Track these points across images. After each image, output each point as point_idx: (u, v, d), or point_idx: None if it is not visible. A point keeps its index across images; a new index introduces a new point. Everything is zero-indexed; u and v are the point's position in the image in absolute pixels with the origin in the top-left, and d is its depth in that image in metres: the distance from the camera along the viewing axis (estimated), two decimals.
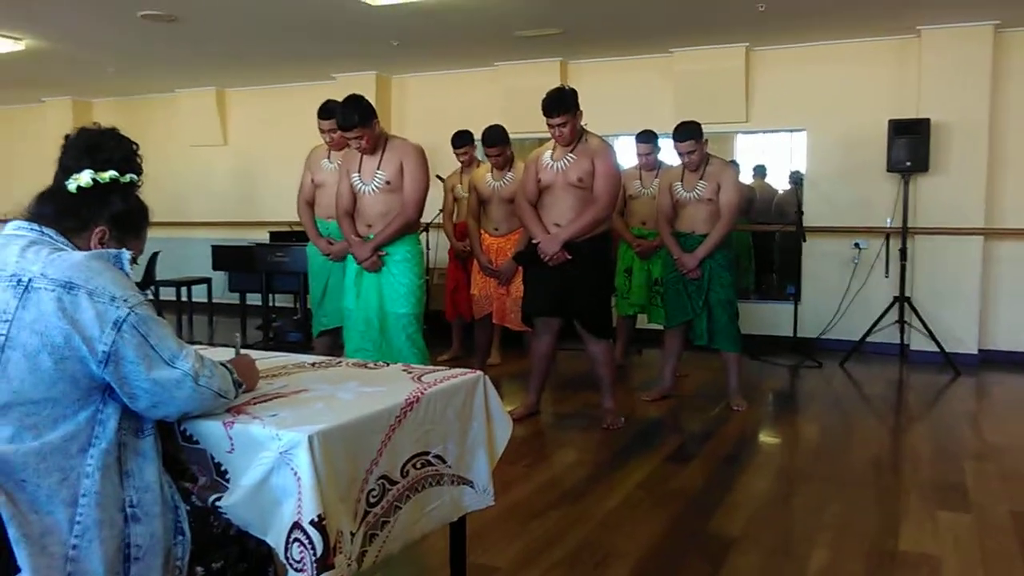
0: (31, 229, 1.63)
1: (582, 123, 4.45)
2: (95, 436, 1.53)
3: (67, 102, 9.80)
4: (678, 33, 6.76)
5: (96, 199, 1.67)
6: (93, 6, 5.90)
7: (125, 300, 1.55)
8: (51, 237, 1.63)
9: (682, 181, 4.96)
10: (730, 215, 4.84)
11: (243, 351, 2.12)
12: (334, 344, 4.91)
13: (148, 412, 1.61)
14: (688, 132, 4.84)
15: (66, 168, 1.70)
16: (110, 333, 1.52)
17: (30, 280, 1.52)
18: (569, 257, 4.38)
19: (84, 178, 1.65)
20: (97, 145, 1.72)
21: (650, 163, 5.94)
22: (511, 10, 5.95)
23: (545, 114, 4.34)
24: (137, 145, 1.82)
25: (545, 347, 4.67)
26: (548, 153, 4.50)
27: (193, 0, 5.73)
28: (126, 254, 1.64)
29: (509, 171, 5.65)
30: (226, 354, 2.13)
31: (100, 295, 1.52)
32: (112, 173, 1.69)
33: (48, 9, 5.97)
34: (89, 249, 1.65)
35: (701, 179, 4.89)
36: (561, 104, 4.31)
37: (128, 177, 1.74)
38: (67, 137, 1.77)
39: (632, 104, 7.44)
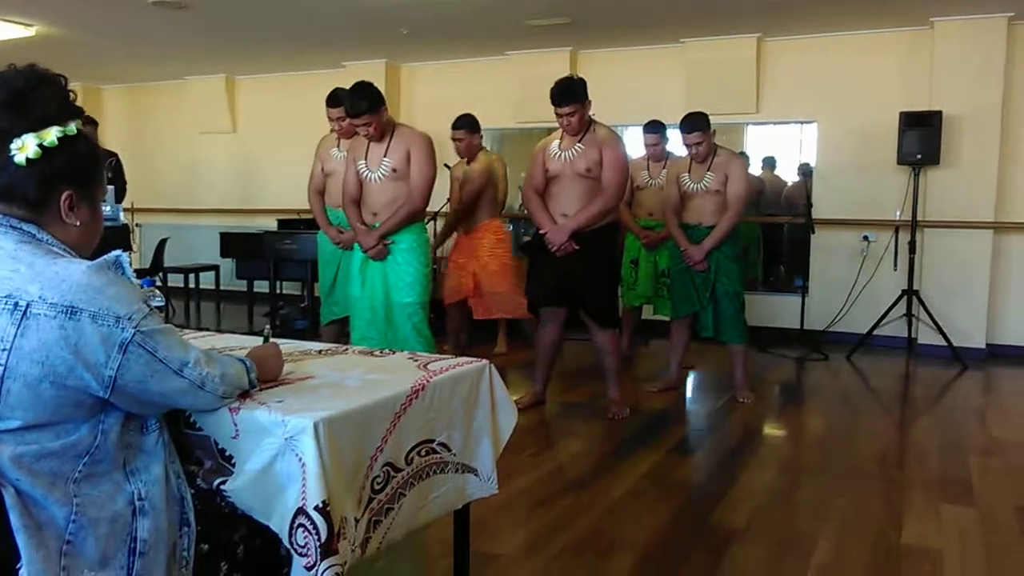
0: (8, 227, 1.51)
1: (590, 113, 4.44)
2: (96, 446, 1.50)
3: (77, 87, 9.75)
4: (689, 23, 6.73)
5: (48, 163, 1.50)
6: None
7: (130, 318, 1.47)
8: (33, 235, 1.51)
9: (689, 172, 4.95)
10: (738, 207, 4.83)
11: (272, 340, 2.13)
12: (341, 332, 4.93)
13: (149, 412, 1.60)
14: (695, 123, 4.81)
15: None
16: (116, 357, 1.45)
17: (28, 305, 1.42)
18: (576, 247, 4.38)
19: (30, 148, 1.48)
20: (26, 99, 1.50)
21: (657, 154, 5.93)
22: None
23: (554, 103, 4.34)
24: (64, 78, 1.58)
25: (550, 336, 4.67)
26: (556, 143, 4.49)
27: None
28: (125, 257, 1.54)
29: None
30: (256, 342, 2.15)
31: (104, 317, 1.44)
32: (56, 131, 1.50)
33: None
34: (62, 220, 1.54)
35: (709, 170, 4.87)
36: (570, 93, 4.30)
37: (72, 126, 1.54)
38: None
39: (642, 94, 7.41)
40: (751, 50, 7.05)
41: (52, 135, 1.50)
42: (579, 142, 4.40)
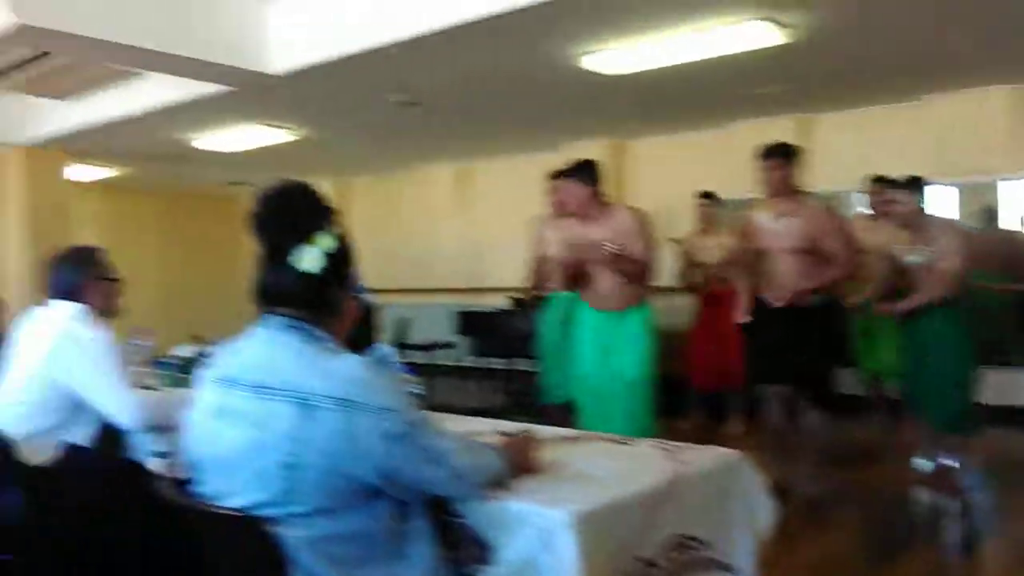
0: (296, 327, 1.63)
1: (803, 187, 4.33)
2: (370, 531, 1.59)
3: (329, 181, 10.76)
4: (930, 77, 6.31)
5: (332, 273, 1.64)
6: (352, 97, 6.57)
7: (398, 412, 1.57)
8: (312, 333, 1.63)
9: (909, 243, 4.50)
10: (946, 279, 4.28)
11: (528, 434, 2.12)
12: (566, 413, 4.95)
13: (414, 499, 1.67)
14: (905, 182, 4.43)
15: (275, 247, 1.62)
16: (388, 447, 1.55)
17: (314, 399, 1.53)
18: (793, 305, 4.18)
19: (316, 257, 1.61)
20: (298, 211, 1.65)
21: (886, 211, 5.37)
22: (742, 70, 5.84)
23: (762, 157, 4.31)
24: (314, 185, 1.71)
25: (775, 416, 4.42)
26: (765, 216, 4.34)
27: (433, 86, 6.23)
28: (391, 353, 1.68)
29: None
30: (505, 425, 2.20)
31: (377, 410, 1.55)
32: (330, 237, 1.64)
33: (317, 104, 6.74)
34: (333, 316, 1.67)
35: (924, 244, 4.38)
36: (776, 149, 4.27)
37: (336, 234, 1.66)
38: (258, 208, 1.64)
39: (877, 157, 6.94)
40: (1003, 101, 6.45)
41: (330, 241, 1.64)
42: (789, 215, 4.23)
